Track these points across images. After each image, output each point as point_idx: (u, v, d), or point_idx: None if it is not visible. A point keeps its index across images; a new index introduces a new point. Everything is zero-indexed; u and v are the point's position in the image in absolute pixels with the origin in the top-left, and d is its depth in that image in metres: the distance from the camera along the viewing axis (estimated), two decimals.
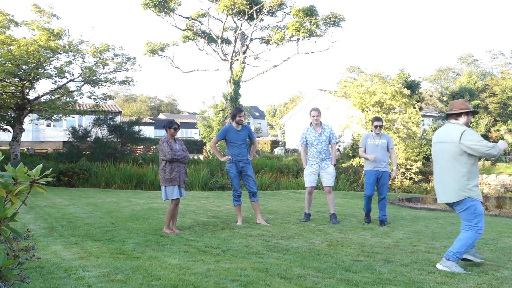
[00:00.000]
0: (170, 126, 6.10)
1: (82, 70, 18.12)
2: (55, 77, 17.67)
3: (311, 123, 7.06)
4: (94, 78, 18.38)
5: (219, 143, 8.21)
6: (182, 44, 31.74)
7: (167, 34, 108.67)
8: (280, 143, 34.77)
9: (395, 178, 6.99)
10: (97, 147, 18.55)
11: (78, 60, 17.99)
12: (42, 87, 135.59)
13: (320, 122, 7.00)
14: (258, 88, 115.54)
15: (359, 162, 18.52)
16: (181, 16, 26.00)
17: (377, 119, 7.06)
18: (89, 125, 20.17)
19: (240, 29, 25.63)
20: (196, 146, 34.47)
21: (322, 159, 6.95)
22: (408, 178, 19.47)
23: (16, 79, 17.00)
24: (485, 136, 26.69)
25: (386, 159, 7.00)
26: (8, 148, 18.26)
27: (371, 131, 7.17)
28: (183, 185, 6.16)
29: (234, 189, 6.70)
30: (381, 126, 6.99)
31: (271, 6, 24.11)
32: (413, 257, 4.61)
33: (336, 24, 24.76)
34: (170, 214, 6.04)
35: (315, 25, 24.33)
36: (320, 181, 7.22)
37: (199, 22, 26.40)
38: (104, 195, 11.53)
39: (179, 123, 6.35)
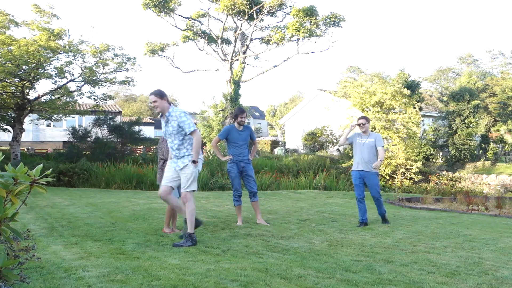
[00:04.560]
0: None
1: (82, 70, 18.13)
2: (55, 77, 17.68)
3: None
4: (94, 78, 18.39)
5: (219, 143, 8.21)
6: (182, 44, 31.76)
7: (167, 34, 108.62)
8: (280, 143, 34.74)
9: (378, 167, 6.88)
10: (97, 147, 18.55)
11: (78, 60, 18.00)
12: (42, 87, 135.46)
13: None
14: (258, 88, 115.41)
15: None
16: (181, 16, 26.00)
17: (362, 117, 7.05)
18: (89, 125, 20.18)
19: (240, 29, 25.62)
20: None
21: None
22: (408, 178, 19.47)
23: (16, 79, 17.00)
24: (485, 136, 26.64)
25: (372, 159, 6.81)
26: (8, 148, 18.26)
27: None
28: None
29: (234, 189, 6.71)
30: (364, 124, 6.89)
31: (271, 6, 24.10)
32: (413, 257, 4.61)
33: (336, 24, 24.76)
34: (169, 214, 6.03)
35: (315, 25, 24.32)
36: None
37: (199, 22, 26.39)
38: (104, 195, 11.53)
39: None
